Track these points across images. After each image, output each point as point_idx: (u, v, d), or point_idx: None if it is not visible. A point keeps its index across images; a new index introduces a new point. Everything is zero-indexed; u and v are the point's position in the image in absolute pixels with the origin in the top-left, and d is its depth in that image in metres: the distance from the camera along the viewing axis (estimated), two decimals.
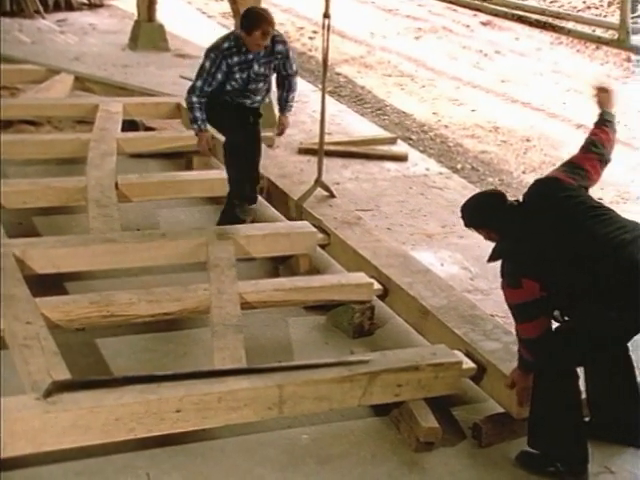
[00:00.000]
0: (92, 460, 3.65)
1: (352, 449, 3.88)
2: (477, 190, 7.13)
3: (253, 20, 5.26)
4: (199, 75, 5.39)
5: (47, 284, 4.72)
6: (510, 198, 3.81)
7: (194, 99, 5.39)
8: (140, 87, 8.38)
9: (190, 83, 5.51)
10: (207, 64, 5.32)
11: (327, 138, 6.46)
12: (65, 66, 8.86)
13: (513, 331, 4.22)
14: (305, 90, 9.55)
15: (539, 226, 3.62)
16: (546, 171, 7.80)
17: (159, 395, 3.60)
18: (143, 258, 5.03)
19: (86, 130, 6.91)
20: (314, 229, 5.37)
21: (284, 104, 5.76)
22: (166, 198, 6.05)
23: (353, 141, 7.90)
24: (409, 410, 3.94)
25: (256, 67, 5.41)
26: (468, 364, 4.10)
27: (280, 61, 5.53)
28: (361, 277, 4.89)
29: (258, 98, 5.61)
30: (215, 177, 6.12)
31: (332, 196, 5.85)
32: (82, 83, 8.36)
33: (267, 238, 5.25)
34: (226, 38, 5.41)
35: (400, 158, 7.67)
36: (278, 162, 6.48)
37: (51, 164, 6.51)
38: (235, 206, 5.62)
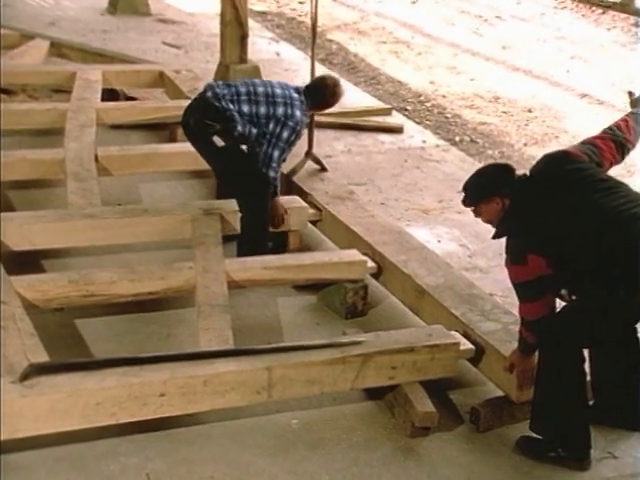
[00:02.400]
0: (72, 447, 3.67)
1: (344, 434, 3.90)
2: (476, 163, 7.14)
3: (329, 97, 5.23)
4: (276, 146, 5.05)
5: (23, 262, 4.71)
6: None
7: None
8: (120, 54, 8.35)
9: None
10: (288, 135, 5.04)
11: None
12: (40, 31, 8.82)
13: (513, 311, 4.26)
14: (295, 58, 9.54)
15: (547, 199, 3.63)
16: (549, 143, 7.86)
17: (142, 378, 3.61)
18: (124, 235, 5.03)
19: (63, 99, 6.88)
20: (304, 204, 5.37)
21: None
22: (149, 172, 6.04)
23: (345, 112, 7.88)
24: (404, 393, 3.96)
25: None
26: (466, 345, 4.12)
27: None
28: (354, 255, 4.90)
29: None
30: None
31: (323, 170, 5.85)
32: (58, 49, 8.32)
33: None
34: (297, 106, 5.08)
35: (395, 130, 7.66)
36: None
37: (26, 135, 6.48)
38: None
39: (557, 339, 3.64)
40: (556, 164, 3.74)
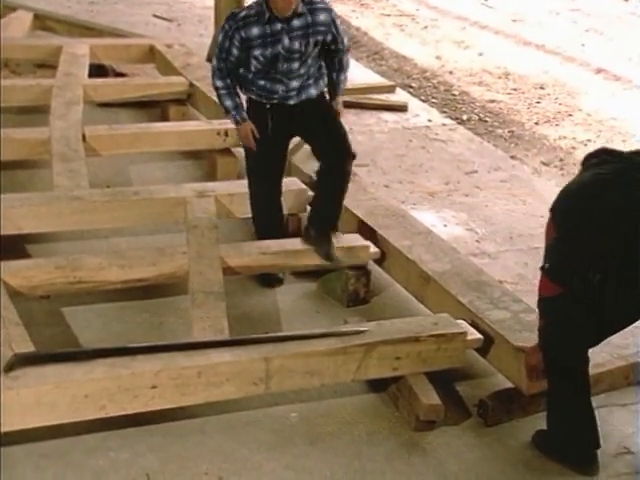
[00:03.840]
0: (59, 441, 3.67)
1: (345, 428, 3.91)
2: (484, 143, 7.15)
3: None
4: (215, 52, 4.78)
5: (7, 247, 4.71)
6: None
7: (217, 82, 4.75)
8: (109, 27, 8.32)
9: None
10: (220, 37, 4.72)
11: None
12: (22, 2, 8.76)
13: (524, 299, 4.27)
14: None
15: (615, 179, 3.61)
16: (562, 122, 7.85)
17: (132, 369, 3.62)
18: (114, 218, 5.03)
19: (48, 75, 6.86)
20: (303, 186, 5.37)
21: (334, 87, 4.96)
22: (139, 152, 6.03)
23: (347, 89, 7.84)
24: (408, 385, 3.97)
25: (286, 41, 4.59)
26: (473, 335, 4.12)
27: (323, 35, 4.68)
28: (356, 239, 4.90)
29: (294, 85, 4.73)
30: (193, 129, 6.11)
31: None
32: (42, 22, 8.30)
33: None
34: (247, 6, 4.77)
35: (399, 108, 7.65)
36: None
37: (9, 113, 6.47)
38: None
39: (559, 341, 3.66)
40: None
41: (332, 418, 3.96)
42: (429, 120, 7.52)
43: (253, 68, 4.67)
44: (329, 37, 4.71)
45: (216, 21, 7.93)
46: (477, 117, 7.95)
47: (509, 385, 4.05)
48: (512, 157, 6.99)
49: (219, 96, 4.79)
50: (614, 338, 3.90)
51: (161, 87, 6.71)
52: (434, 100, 8.26)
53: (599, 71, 9.10)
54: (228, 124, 6.07)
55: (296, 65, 4.67)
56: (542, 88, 8.71)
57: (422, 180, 6.39)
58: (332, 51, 4.82)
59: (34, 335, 3.87)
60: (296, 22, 4.58)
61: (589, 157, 3.77)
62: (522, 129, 7.72)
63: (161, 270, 4.52)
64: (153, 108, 6.81)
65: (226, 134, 6.00)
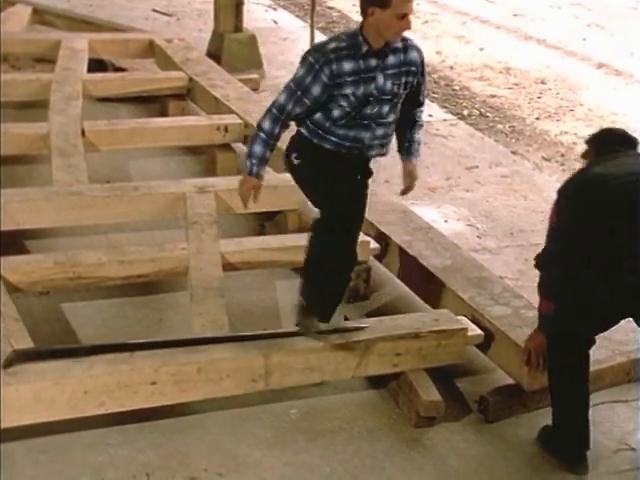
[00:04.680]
0: (58, 437, 3.67)
1: (345, 425, 3.92)
2: (485, 138, 7.14)
3: None
4: (286, 87, 3.85)
5: (6, 242, 4.71)
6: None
7: (266, 125, 3.84)
8: (108, 22, 8.31)
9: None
10: (301, 71, 3.80)
11: None
12: None
13: (525, 294, 4.27)
14: (293, 26, 9.51)
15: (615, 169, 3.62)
16: (563, 117, 7.85)
17: (132, 366, 3.62)
18: (113, 214, 5.02)
19: (47, 70, 6.86)
20: None
21: (410, 144, 4.19)
22: (138, 147, 6.02)
23: None
24: (409, 382, 3.97)
25: (380, 80, 3.83)
26: (474, 331, 4.12)
27: (413, 76, 3.94)
28: None
29: (380, 133, 3.94)
30: (193, 124, 6.10)
31: None
32: (41, 16, 8.29)
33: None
34: (335, 37, 3.94)
35: None
36: (264, 108, 6.41)
37: (8, 108, 6.46)
38: (302, 316, 4.03)
39: (557, 337, 3.67)
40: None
41: (332, 414, 3.97)
42: (430, 115, 7.49)
43: (336, 113, 3.81)
44: (415, 81, 3.97)
45: (216, 15, 7.94)
46: (478, 112, 7.94)
47: (510, 381, 4.05)
48: (513, 152, 6.98)
49: (255, 137, 3.87)
50: (615, 334, 3.91)
51: (160, 82, 6.70)
52: (435, 95, 8.25)
53: (600, 66, 9.09)
54: (227, 119, 6.09)
55: (386, 109, 3.87)
56: (543, 83, 8.70)
57: (423, 175, 6.34)
58: (413, 100, 4.04)
59: (33, 331, 3.87)
60: (391, 59, 3.83)
61: (599, 140, 3.78)
62: (523, 124, 7.71)
63: (161, 266, 4.52)
64: (152, 103, 6.80)
65: (226, 129, 5.99)
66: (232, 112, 6.16)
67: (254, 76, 7.52)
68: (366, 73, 3.79)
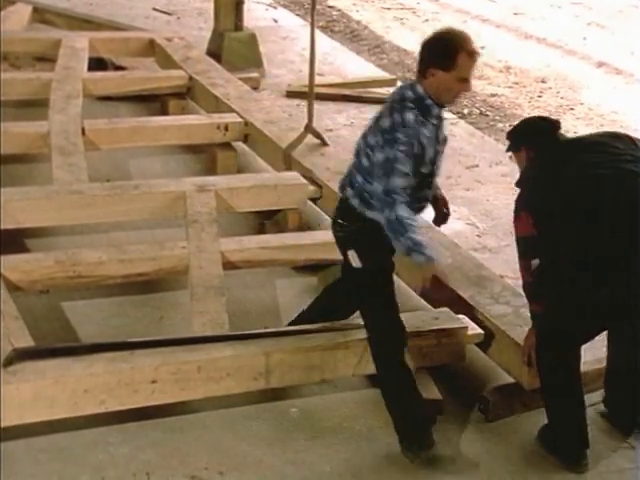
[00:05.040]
0: (58, 436, 3.67)
1: (346, 423, 3.92)
2: (486, 137, 7.14)
3: (451, 42, 3.61)
4: (390, 172, 3.51)
5: (6, 241, 4.71)
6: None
7: (403, 211, 3.49)
8: (108, 20, 8.31)
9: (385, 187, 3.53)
10: (399, 151, 3.51)
11: (318, 79, 6.42)
12: None
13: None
14: (293, 25, 9.51)
15: (563, 162, 3.63)
16: (563, 116, 7.84)
17: (132, 364, 3.62)
18: (113, 212, 5.02)
19: (47, 69, 6.85)
20: (304, 181, 5.36)
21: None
22: (139, 146, 6.03)
23: (347, 83, 7.86)
24: None
25: (441, 134, 3.78)
26: (474, 330, 4.12)
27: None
28: None
29: (429, 193, 3.84)
30: (193, 122, 6.10)
31: (324, 144, 5.84)
32: (42, 15, 8.29)
33: (252, 191, 5.24)
34: (404, 99, 3.65)
35: None
36: (264, 106, 6.45)
37: (8, 107, 6.46)
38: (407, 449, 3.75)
39: (548, 336, 3.67)
40: (598, 134, 3.75)
41: (332, 413, 3.97)
42: None
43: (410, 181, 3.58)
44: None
45: (216, 14, 7.93)
46: (478, 111, 7.94)
47: (510, 380, 4.05)
48: None
49: (406, 227, 3.46)
50: None
51: (161, 81, 6.70)
52: None
53: (600, 65, 9.08)
54: (227, 118, 6.09)
55: (439, 165, 3.82)
56: (543, 82, 8.69)
57: None
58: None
59: (33, 330, 3.87)
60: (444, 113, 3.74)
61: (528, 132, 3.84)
62: None
63: (161, 264, 4.52)
64: (153, 102, 6.80)
65: (226, 128, 6.00)
66: (232, 111, 6.17)
67: (254, 75, 7.53)
68: (435, 131, 3.72)
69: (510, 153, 3.96)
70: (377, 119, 3.69)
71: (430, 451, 3.71)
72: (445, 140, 3.82)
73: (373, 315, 3.81)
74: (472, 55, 3.65)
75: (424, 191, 3.75)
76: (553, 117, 3.95)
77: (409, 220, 3.50)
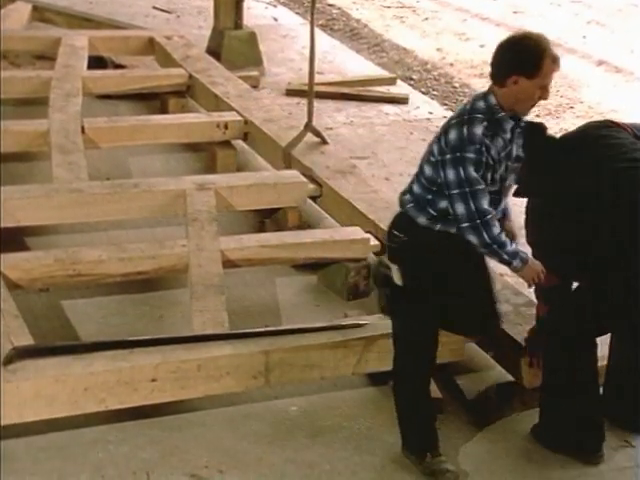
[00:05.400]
0: (58, 434, 3.67)
1: (346, 422, 3.92)
2: None
3: (535, 47, 3.51)
4: (470, 196, 3.41)
5: (6, 239, 4.71)
6: None
7: (492, 232, 3.45)
8: (108, 19, 8.30)
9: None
10: (472, 171, 3.41)
11: (318, 78, 6.42)
12: None
13: (524, 292, 4.28)
14: (293, 23, 9.50)
15: (566, 156, 3.62)
16: (563, 114, 7.84)
17: (132, 363, 3.62)
18: (113, 211, 5.02)
19: (47, 67, 6.84)
20: (304, 179, 5.36)
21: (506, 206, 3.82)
22: (138, 144, 6.02)
23: (347, 81, 7.86)
24: None
25: (514, 151, 3.60)
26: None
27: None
28: (356, 232, 4.90)
29: (501, 207, 3.71)
30: (193, 121, 6.10)
31: (324, 142, 5.84)
32: (41, 13, 8.27)
33: (252, 189, 5.24)
34: (475, 110, 3.51)
35: (400, 100, 7.64)
36: (264, 105, 6.45)
37: (7, 105, 6.45)
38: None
39: (566, 327, 3.66)
40: (590, 125, 3.73)
41: (332, 412, 3.97)
42: (430, 112, 7.50)
43: None
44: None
45: (215, 13, 7.93)
46: None
47: (509, 378, 4.05)
48: None
49: (500, 245, 3.46)
50: None
51: (160, 79, 6.70)
52: (435, 92, 8.24)
53: (600, 63, 9.08)
54: (227, 116, 6.08)
55: (511, 184, 3.69)
56: None
57: None
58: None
59: (33, 328, 3.87)
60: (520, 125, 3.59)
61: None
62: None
63: (161, 263, 4.51)
64: (152, 100, 6.79)
65: (226, 127, 6.00)
66: (232, 109, 6.16)
67: (254, 73, 7.52)
68: (506, 145, 3.55)
69: None
70: (446, 128, 3.53)
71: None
72: (519, 158, 3.60)
73: (399, 343, 3.66)
74: (555, 61, 3.51)
75: (499, 202, 3.62)
76: (538, 120, 3.88)
77: (501, 235, 3.45)
